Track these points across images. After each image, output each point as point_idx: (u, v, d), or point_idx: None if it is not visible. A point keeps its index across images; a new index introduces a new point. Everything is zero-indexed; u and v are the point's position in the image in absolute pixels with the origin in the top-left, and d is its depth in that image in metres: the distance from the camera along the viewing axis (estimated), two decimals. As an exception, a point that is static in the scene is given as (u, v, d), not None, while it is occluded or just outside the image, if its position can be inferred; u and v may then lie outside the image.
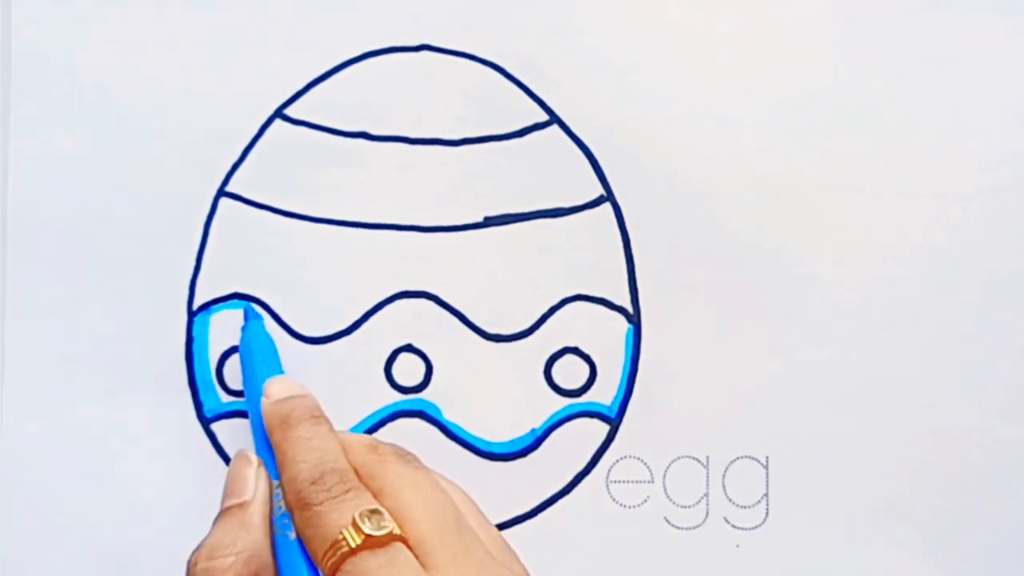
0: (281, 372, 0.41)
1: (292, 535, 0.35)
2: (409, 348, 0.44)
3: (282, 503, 0.36)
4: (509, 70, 0.44)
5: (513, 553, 0.37)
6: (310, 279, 0.44)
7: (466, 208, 0.44)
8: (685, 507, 0.43)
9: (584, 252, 0.44)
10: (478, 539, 0.35)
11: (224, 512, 0.36)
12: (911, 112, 0.44)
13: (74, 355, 0.44)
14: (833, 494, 0.43)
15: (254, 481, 0.36)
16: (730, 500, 0.43)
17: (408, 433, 0.43)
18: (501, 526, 0.43)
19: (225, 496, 0.37)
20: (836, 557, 0.43)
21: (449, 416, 0.44)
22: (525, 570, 0.36)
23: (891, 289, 0.44)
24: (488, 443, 0.43)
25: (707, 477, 0.43)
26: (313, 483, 0.35)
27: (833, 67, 0.44)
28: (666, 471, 0.43)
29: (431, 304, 0.44)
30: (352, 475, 0.35)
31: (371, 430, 0.43)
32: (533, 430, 0.44)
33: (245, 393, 0.40)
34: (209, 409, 0.44)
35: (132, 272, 0.44)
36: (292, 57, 0.44)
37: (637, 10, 0.44)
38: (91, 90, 0.44)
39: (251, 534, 0.35)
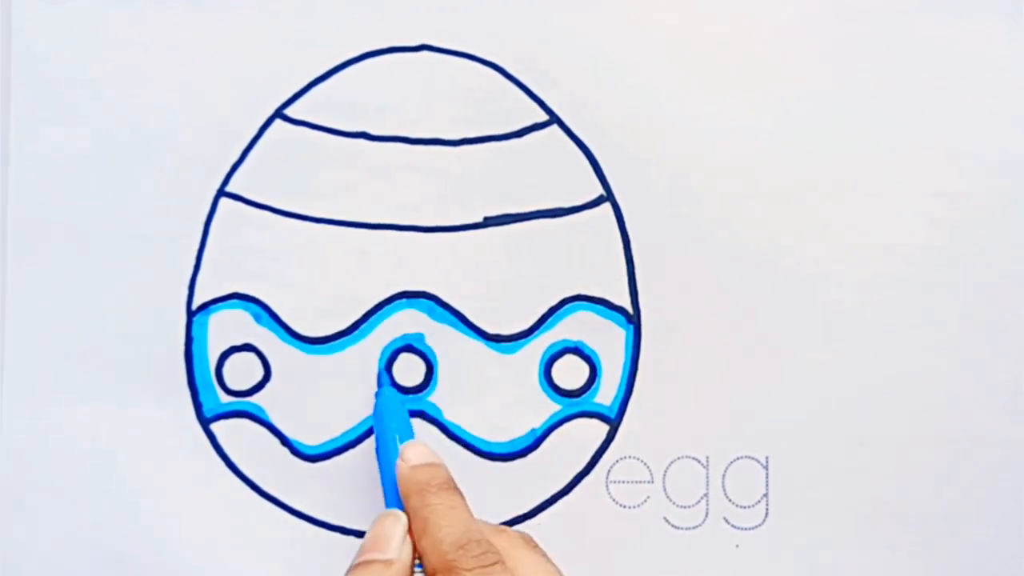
0: (413, 436, 0.41)
1: None
2: (409, 348, 0.44)
3: (421, 572, 0.36)
4: (509, 70, 0.44)
5: None
6: (310, 279, 0.44)
7: (466, 208, 0.44)
8: (685, 507, 0.43)
9: (584, 252, 0.44)
10: None
11: (364, 564, 0.36)
12: (911, 112, 0.44)
13: (73, 354, 0.44)
14: (833, 494, 0.43)
15: (401, 541, 0.37)
16: (730, 500, 0.43)
17: (408, 433, 0.43)
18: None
19: (366, 549, 0.37)
20: (836, 557, 0.43)
21: (449, 416, 0.44)
22: None
23: (891, 289, 0.44)
24: (488, 443, 0.43)
25: (707, 477, 0.43)
26: (460, 548, 0.35)
27: (833, 68, 0.44)
28: (666, 471, 0.43)
29: (431, 304, 0.44)
30: (495, 548, 0.36)
31: (371, 431, 0.43)
32: (533, 430, 0.43)
33: (379, 457, 0.41)
34: (208, 409, 0.44)
35: (132, 272, 0.44)
36: (292, 57, 0.44)
37: (637, 10, 0.44)
38: (91, 90, 0.44)
39: None
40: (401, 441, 0.40)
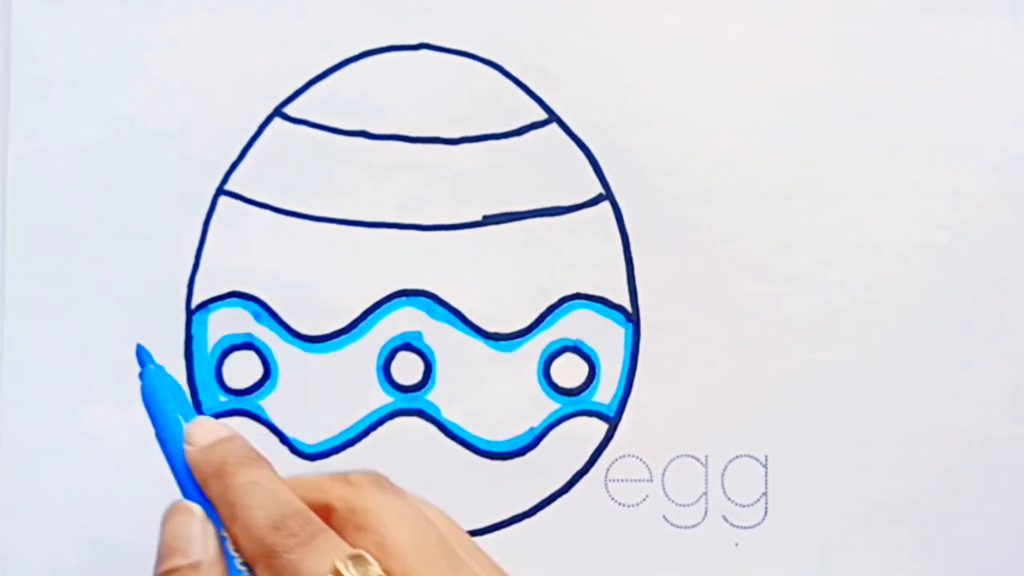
0: (195, 414, 0.35)
1: None
2: (408, 347, 0.44)
3: (237, 560, 0.32)
4: (508, 69, 0.44)
5: (503, 573, 0.34)
6: (309, 277, 0.44)
7: (465, 207, 0.44)
8: (684, 506, 0.43)
9: (583, 251, 0.44)
10: (469, 568, 0.32)
11: (169, 573, 0.32)
12: (911, 112, 0.44)
13: (72, 353, 0.43)
14: (832, 493, 0.43)
15: (203, 538, 0.32)
16: (729, 499, 0.43)
17: (407, 432, 0.43)
18: (499, 525, 0.43)
19: (165, 555, 0.32)
20: (835, 555, 0.43)
21: (448, 415, 0.44)
22: None
23: (891, 289, 0.43)
24: (487, 442, 0.43)
25: (706, 476, 0.43)
26: (277, 529, 0.31)
27: (833, 67, 0.44)
28: (665, 470, 0.43)
29: (430, 303, 0.44)
30: (315, 516, 0.31)
31: (370, 429, 0.43)
32: (532, 429, 0.43)
33: (160, 443, 0.34)
34: (207, 408, 0.43)
35: (131, 271, 0.44)
36: (291, 55, 0.44)
37: (637, 10, 0.44)
38: (91, 90, 0.44)
39: None
40: (185, 419, 0.34)
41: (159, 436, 0.34)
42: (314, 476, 0.33)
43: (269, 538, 0.30)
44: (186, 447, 0.34)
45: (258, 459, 0.33)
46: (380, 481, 0.33)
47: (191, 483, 0.33)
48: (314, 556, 0.30)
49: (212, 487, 0.33)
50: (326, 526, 0.31)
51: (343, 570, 0.29)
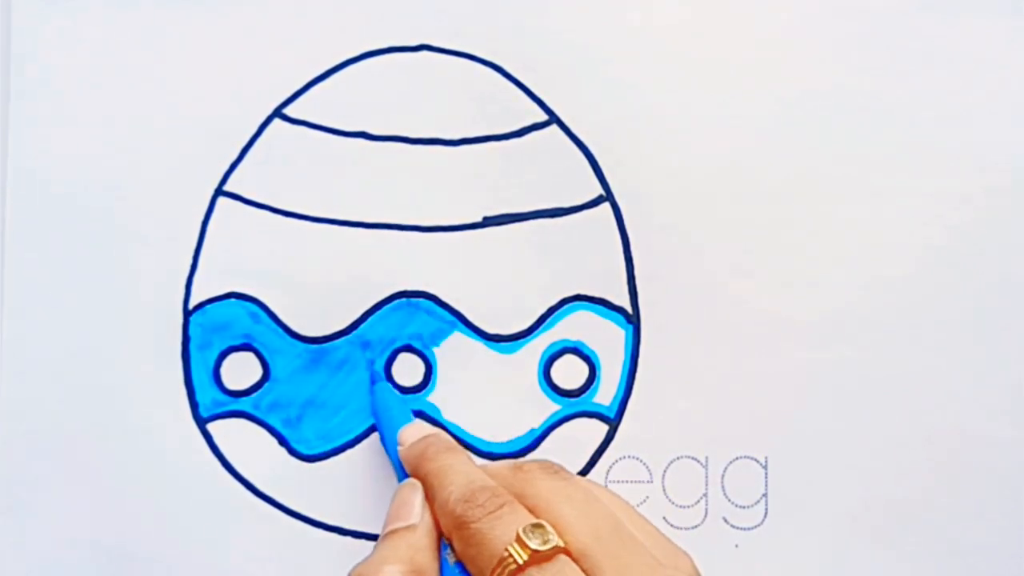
0: (411, 420, 0.41)
1: (452, 559, 0.35)
2: (408, 348, 0.44)
3: (450, 558, 0.36)
4: (508, 70, 0.44)
5: (679, 551, 0.36)
6: (308, 279, 0.44)
7: (465, 208, 0.44)
8: (684, 507, 0.43)
9: (583, 252, 0.44)
10: (641, 544, 0.34)
11: (390, 533, 0.36)
12: (911, 112, 0.44)
13: (71, 353, 0.43)
14: (832, 494, 0.43)
15: (420, 507, 0.37)
16: (729, 500, 0.43)
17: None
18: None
19: (389, 520, 0.37)
20: (835, 557, 0.43)
21: (448, 416, 0.43)
22: (694, 566, 0.36)
23: (891, 289, 0.43)
24: (487, 443, 0.43)
25: (706, 477, 0.43)
26: (465, 502, 0.35)
27: (833, 67, 0.44)
28: (665, 471, 0.43)
29: (430, 304, 0.44)
30: (503, 490, 0.35)
31: (370, 430, 0.43)
32: (532, 430, 0.43)
33: (386, 450, 0.41)
34: (205, 408, 0.43)
35: (129, 271, 0.44)
36: (291, 56, 0.44)
37: (637, 10, 0.44)
38: (91, 90, 0.44)
39: (420, 554, 0.35)
40: (401, 426, 0.41)
41: (383, 442, 0.42)
42: (491, 464, 0.38)
43: (459, 509, 0.35)
44: (399, 448, 0.40)
45: (455, 448, 0.39)
46: (549, 467, 0.37)
47: (405, 478, 0.39)
48: (499, 525, 0.33)
49: (418, 476, 0.38)
50: (511, 498, 0.35)
51: (524, 537, 0.33)
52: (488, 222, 0.44)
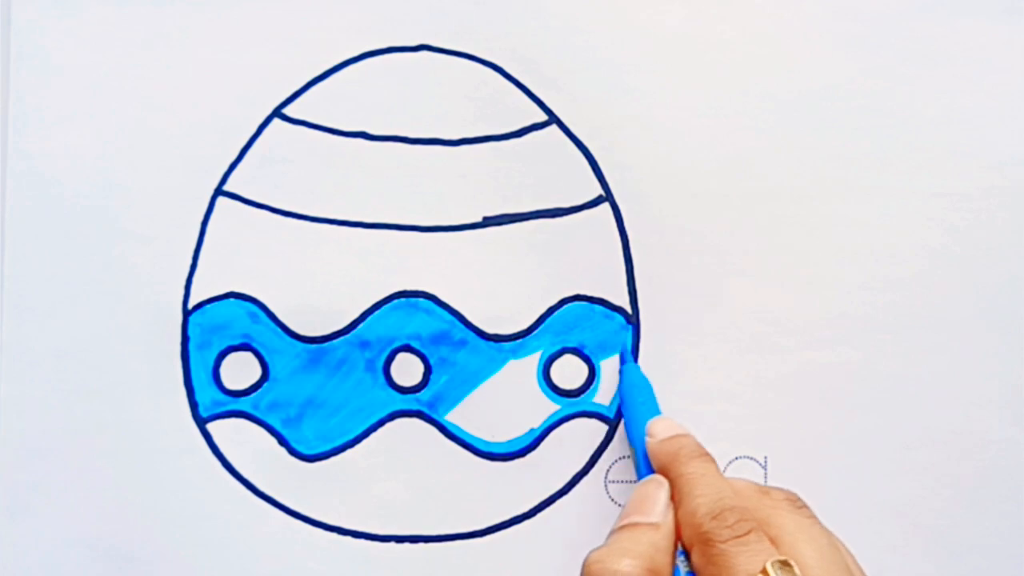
0: (659, 412, 0.41)
1: (685, 568, 0.35)
2: (407, 348, 0.44)
3: (683, 567, 0.35)
4: (508, 70, 0.44)
5: None
6: (308, 278, 0.44)
7: (465, 208, 0.44)
8: (684, 507, 0.43)
9: (583, 252, 0.44)
10: None
11: (631, 527, 0.35)
12: (911, 112, 0.44)
13: (70, 353, 0.43)
14: (831, 494, 0.43)
15: (665, 506, 0.36)
16: (729, 500, 0.43)
17: (407, 433, 0.43)
18: (500, 526, 0.43)
19: (630, 511, 0.36)
20: (836, 557, 0.43)
21: (448, 416, 0.43)
22: None
23: (891, 289, 0.43)
24: (487, 443, 0.43)
25: (706, 477, 0.43)
26: (714, 518, 0.34)
27: (833, 67, 0.44)
28: (665, 471, 0.43)
29: (430, 304, 0.44)
30: (751, 515, 0.34)
31: (370, 430, 0.43)
32: (532, 430, 0.43)
33: (628, 434, 0.41)
34: (204, 408, 0.43)
35: (129, 271, 0.44)
36: (291, 56, 0.44)
37: (636, 10, 0.44)
38: (90, 89, 0.44)
39: (660, 555, 0.34)
40: (648, 415, 0.40)
41: (627, 426, 0.41)
42: (738, 481, 0.37)
43: (707, 524, 0.34)
44: (647, 439, 0.39)
45: (706, 455, 0.38)
46: (795, 500, 0.36)
47: (647, 470, 0.39)
48: (746, 552, 0.33)
49: (666, 474, 0.37)
50: (757, 526, 0.34)
51: (771, 571, 0.32)
52: (488, 222, 0.44)
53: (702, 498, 0.35)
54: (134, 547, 0.43)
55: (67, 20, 0.44)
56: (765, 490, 0.36)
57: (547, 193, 0.44)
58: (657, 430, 0.39)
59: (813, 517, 0.36)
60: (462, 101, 0.44)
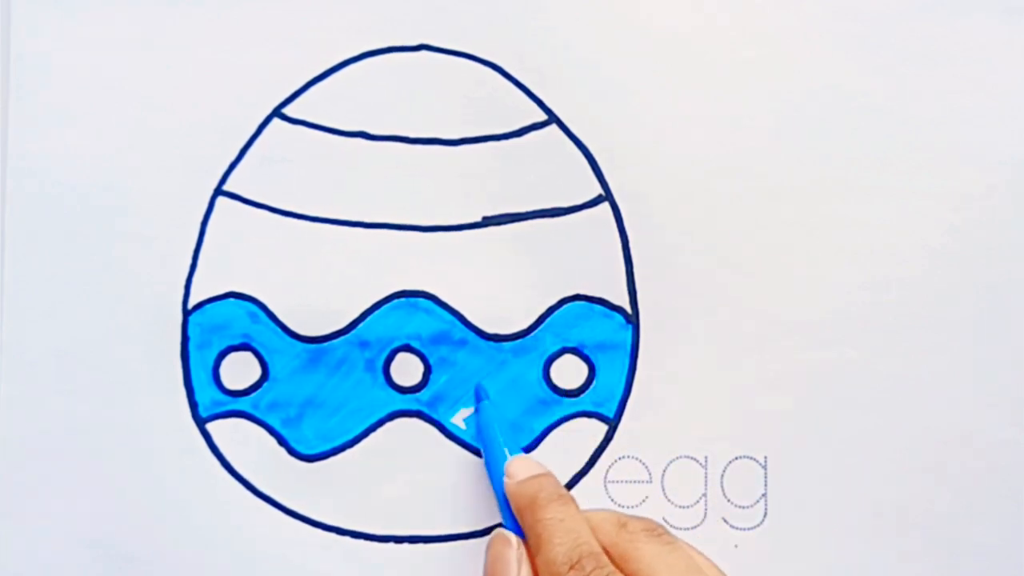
0: (519, 451, 0.41)
1: None
2: (407, 348, 0.44)
3: None
4: (508, 70, 0.44)
5: None
6: (307, 278, 0.44)
7: (465, 208, 0.44)
8: (683, 507, 0.43)
9: (583, 252, 0.44)
10: None
11: None
12: (911, 112, 0.44)
13: (70, 353, 0.43)
14: (832, 494, 0.43)
15: (516, 564, 0.37)
16: (728, 500, 0.43)
17: (407, 433, 0.43)
18: (499, 526, 0.42)
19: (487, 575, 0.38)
20: (835, 557, 0.43)
21: (448, 416, 0.43)
22: None
23: (891, 290, 0.43)
24: (486, 443, 0.43)
25: (705, 477, 0.43)
26: (571, 568, 0.35)
27: (833, 67, 0.44)
28: (664, 471, 0.43)
29: (430, 304, 0.44)
30: (606, 559, 0.35)
31: (369, 430, 0.43)
32: (532, 430, 0.43)
33: (488, 473, 0.41)
34: (204, 408, 0.43)
35: (128, 271, 0.44)
36: (291, 56, 0.44)
37: (636, 10, 0.44)
38: (90, 90, 0.44)
39: None
40: (509, 453, 0.40)
41: (487, 466, 0.41)
42: (597, 513, 0.38)
43: (563, 572, 0.35)
44: (505, 480, 0.39)
45: (565, 497, 0.38)
46: (653, 529, 0.37)
47: (508, 511, 0.39)
48: None
49: (524, 518, 0.38)
50: (615, 569, 0.35)
51: None
52: (488, 222, 0.44)
53: (560, 547, 0.36)
54: (134, 547, 0.43)
55: (67, 21, 0.44)
56: (623, 521, 0.37)
57: (547, 193, 0.44)
58: (515, 470, 0.39)
59: (673, 543, 0.37)
60: (462, 101, 0.44)
